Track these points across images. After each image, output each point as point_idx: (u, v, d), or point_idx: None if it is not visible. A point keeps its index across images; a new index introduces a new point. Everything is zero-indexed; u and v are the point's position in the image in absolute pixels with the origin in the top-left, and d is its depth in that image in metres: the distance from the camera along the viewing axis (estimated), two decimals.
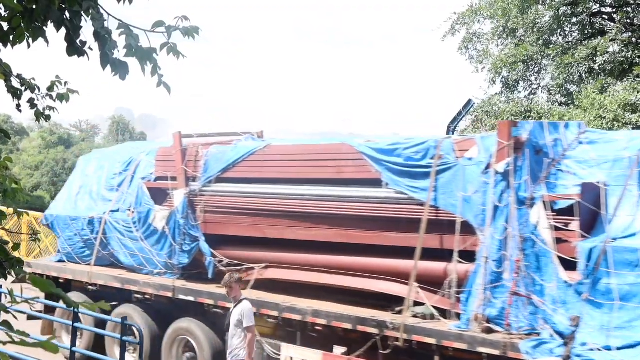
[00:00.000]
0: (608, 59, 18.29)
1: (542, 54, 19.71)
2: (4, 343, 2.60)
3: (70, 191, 12.98)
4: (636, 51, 18.20)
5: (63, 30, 3.56)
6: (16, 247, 4.19)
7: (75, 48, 3.62)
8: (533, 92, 20.79)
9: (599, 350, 6.41)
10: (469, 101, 17.35)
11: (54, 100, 4.59)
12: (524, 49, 19.38)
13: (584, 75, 18.91)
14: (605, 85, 17.54)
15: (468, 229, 7.86)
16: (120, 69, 3.66)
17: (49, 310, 11.93)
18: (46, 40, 3.57)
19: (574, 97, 18.19)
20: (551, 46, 19.63)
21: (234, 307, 8.47)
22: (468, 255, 7.85)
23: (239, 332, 8.31)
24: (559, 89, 19.38)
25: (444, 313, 7.98)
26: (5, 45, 3.60)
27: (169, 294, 10.47)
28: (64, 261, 12.46)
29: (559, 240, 7.14)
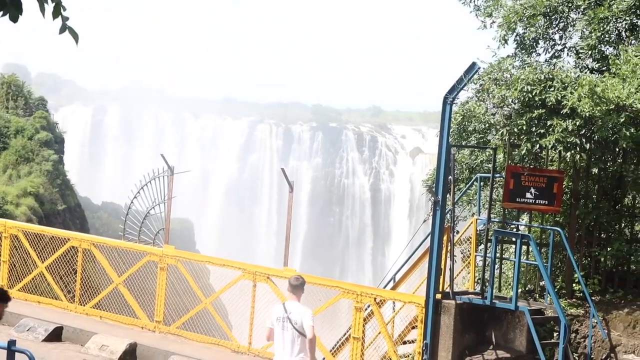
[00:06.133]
0: None
1: (570, 4, 19.59)
2: None
3: None
4: None
5: None
6: None
7: None
8: (556, 54, 20.64)
9: None
10: (473, 65, 17.20)
11: None
12: None
13: (623, 33, 18.83)
14: None
15: None
16: (11, 8, 3.62)
17: None
18: None
19: (610, 61, 17.98)
20: None
21: (291, 307, 10.04)
22: None
23: (301, 338, 9.88)
24: (590, 51, 19.22)
25: None
26: None
27: None
28: None
29: None
